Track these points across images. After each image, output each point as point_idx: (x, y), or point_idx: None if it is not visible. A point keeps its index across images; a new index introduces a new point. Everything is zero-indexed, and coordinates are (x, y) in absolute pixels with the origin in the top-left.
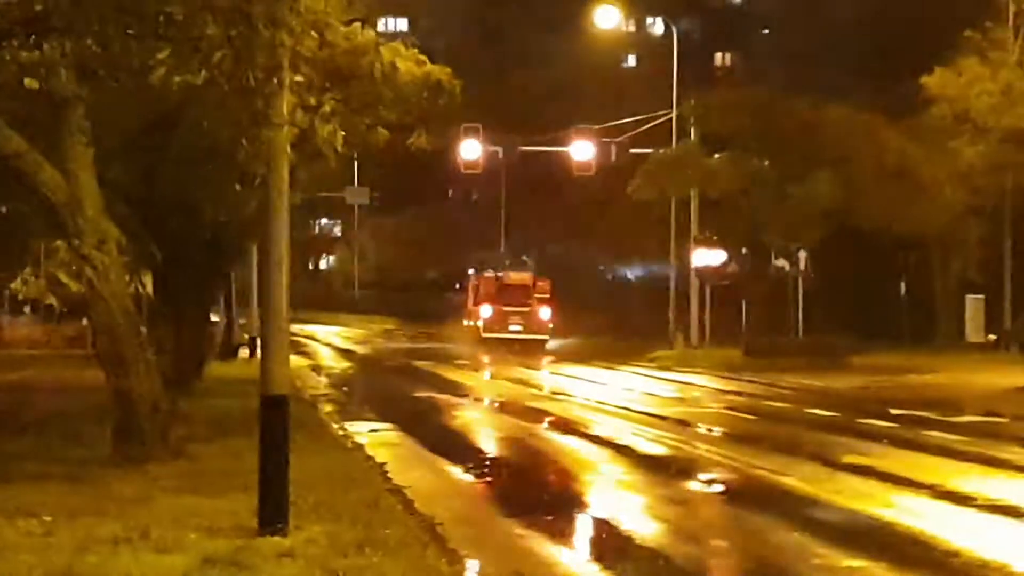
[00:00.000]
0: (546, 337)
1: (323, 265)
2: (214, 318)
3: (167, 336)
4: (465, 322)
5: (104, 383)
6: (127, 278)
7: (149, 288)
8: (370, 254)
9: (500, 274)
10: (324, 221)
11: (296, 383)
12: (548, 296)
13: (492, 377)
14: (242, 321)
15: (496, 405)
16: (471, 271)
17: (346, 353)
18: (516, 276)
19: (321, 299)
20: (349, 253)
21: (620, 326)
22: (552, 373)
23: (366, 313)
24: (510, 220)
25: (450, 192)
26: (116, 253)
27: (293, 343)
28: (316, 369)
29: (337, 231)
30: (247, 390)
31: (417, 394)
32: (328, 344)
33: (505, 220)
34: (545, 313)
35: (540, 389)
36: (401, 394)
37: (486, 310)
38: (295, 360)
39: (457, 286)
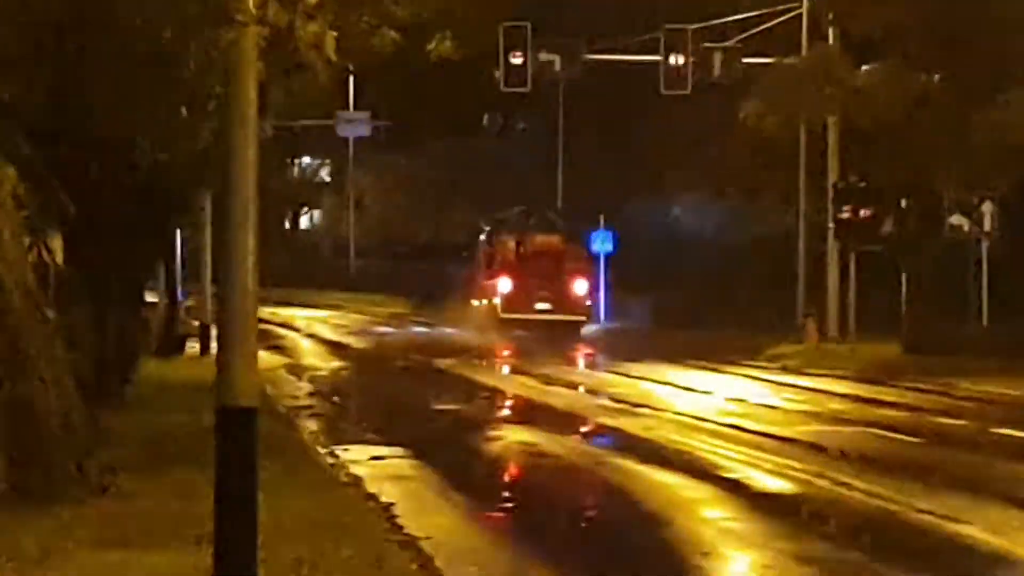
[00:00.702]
0: (582, 318)
1: (305, 223)
2: (151, 298)
3: (84, 324)
4: (475, 301)
5: None
6: (26, 242)
7: (59, 256)
8: (372, 208)
9: (521, 237)
10: (307, 161)
11: (268, 390)
12: (583, 266)
13: (540, 380)
14: (190, 303)
15: (549, 421)
16: (482, 234)
17: (337, 348)
18: (543, 240)
19: (303, 272)
20: (342, 206)
21: (724, 310)
22: (625, 376)
23: (366, 291)
24: (571, 162)
25: (486, 120)
26: (12, 206)
27: (263, 333)
28: (295, 371)
29: (325, 175)
30: (198, 400)
31: (437, 406)
32: (312, 335)
33: (563, 162)
34: (581, 287)
35: (609, 398)
36: (414, 406)
37: (505, 283)
38: (266, 357)
39: (464, 254)
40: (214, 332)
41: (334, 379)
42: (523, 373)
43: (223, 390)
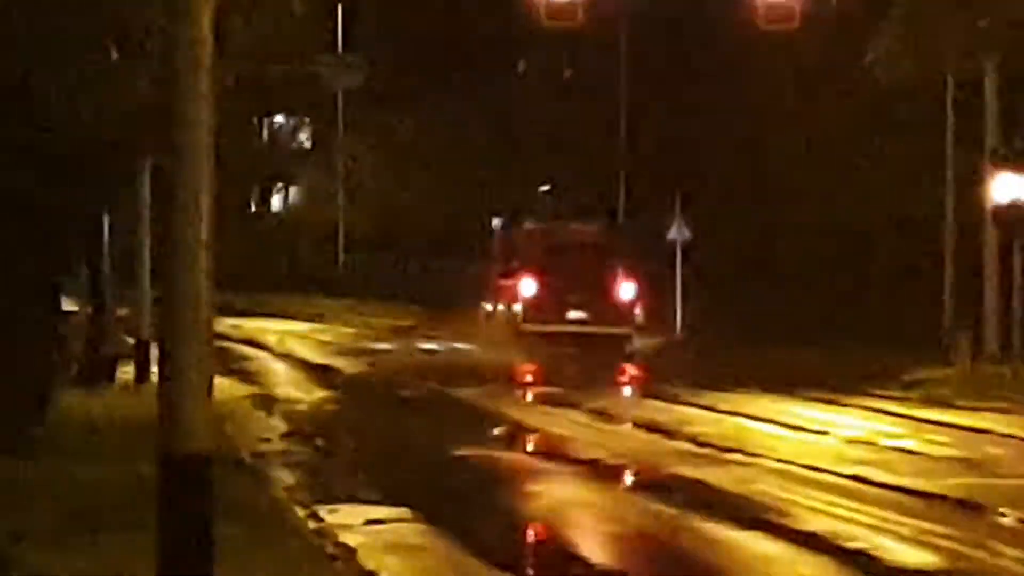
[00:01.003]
0: (628, 331)
1: (277, 205)
2: (70, 307)
3: None
4: (487, 306)
5: None
6: None
7: None
8: (368, 185)
9: (549, 226)
10: (280, 122)
11: (228, 430)
12: (629, 263)
13: (593, 416)
14: (123, 313)
15: (609, 472)
16: (496, 221)
17: (321, 372)
18: (578, 230)
19: (274, 270)
20: (327, 183)
21: (840, 318)
22: (708, 410)
23: (359, 296)
24: (637, 124)
25: (522, 67)
26: None
27: (222, 353)
28: (265, 403)
29: (305, 140)
30: (133, 444)
31: (455, 451)
32: (287, 355)
33: (627, 122)
34: (627, 291)
35: (689, 440)
36: (424, 450)
37: (529, 286)
38: (226, 386)
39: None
40: (155, 352)
41: (317, 415)
42: (568, 405)
43: (168, 430)
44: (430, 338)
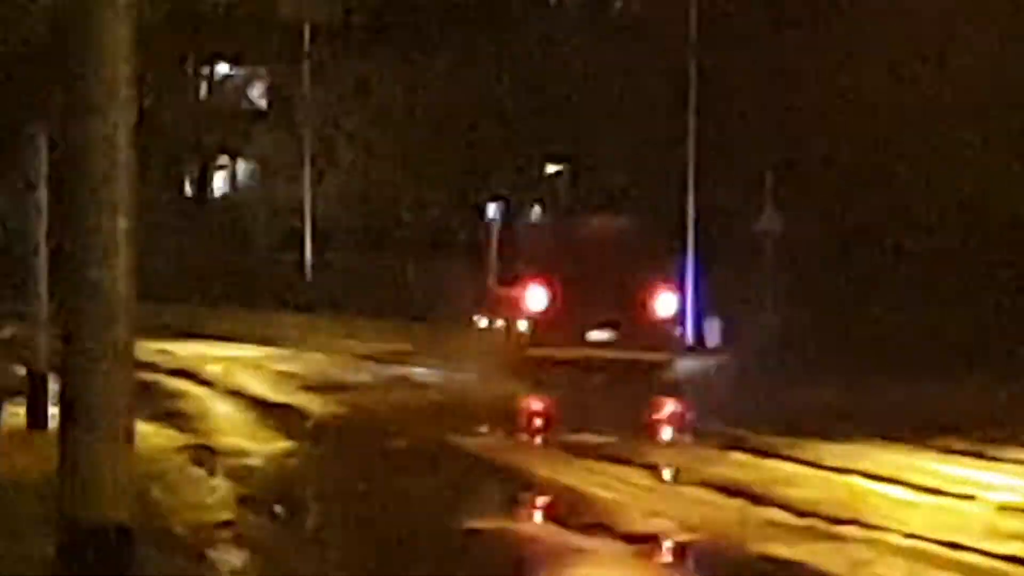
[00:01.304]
0: (667, 357)
1: (220, 186)
2: None
3: None
4: (479, 320)
5: None
6: None
7: None
8: (343, 159)
9: (566, 221)
10: (225, 72)
11: (155, 493)
12: (666, 269)
13: (651, 474)
14: (8, 331)
15: (672, 550)
16: (491, 210)
17: (281, 415)
18: (602, 225)
19: (219, 274)
20: (289, 155)
21: (989, 346)
22: (811, 466)
23: (331, 308)
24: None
25: None
26: None
27: (147, 388)
28: (205, 458)
29: (259, 98)
30: (24, 513)
31: (467, 524)
32: (235, 391)
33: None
34: (666, 304)
35: (783, 507)
36: (422, 523)
37: (537, 296)
38: (152, 433)
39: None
40: (54, 387)
41: (275, 473)
42: (617, 460)
43: (72, 494)
44: (428, 365)
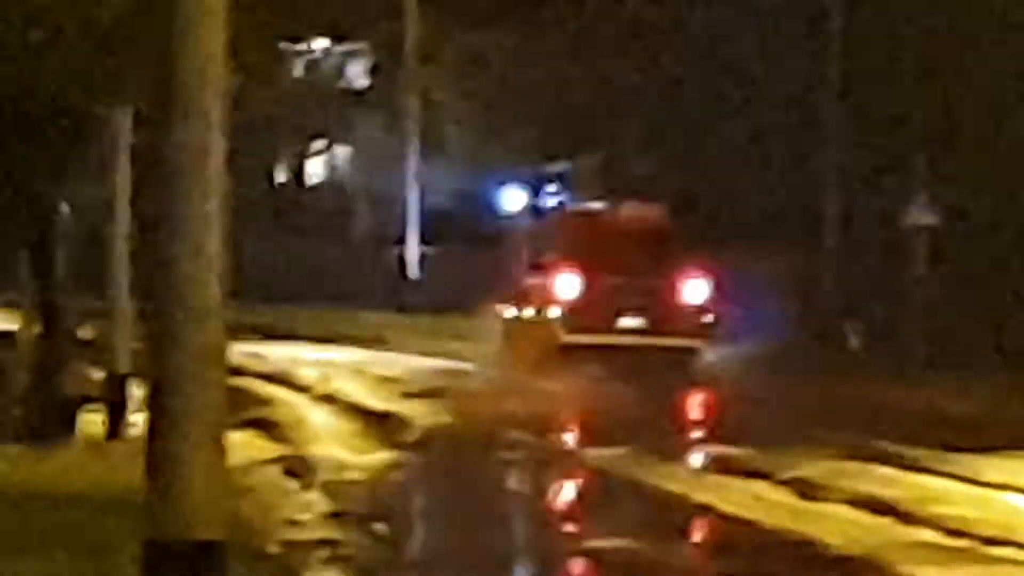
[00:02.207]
0: (696, 343)
1: (316, 173)
2: (5, 326)
3: None
4: (507, 310)
5: None
6: None
7: None
8: (453, 141)
9: (597, 208)
10: (322, 47)
11: (245, 509)
12: (699, 259)
13: (790, 490)
14: (87, 332)
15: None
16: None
17: (382, 424)
18: (633, 212)
19: (313, 272)
20: (393, 139)
21: None
22: (966, 482)
23: (441, 308)
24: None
25: None
26: None
27: (238, 395)
28: (300, 470)
29: (359, 76)
30: (103, 529)
31: (587, 543)
32: (333, 398)
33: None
34: (697, 291)
35: (936, 527)
36: (537, 541)
37: (569, 283)
38: (243, 443)
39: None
40: (136, 392)
41: (376, 487)
42: (749, 473)
43: (158, 509)
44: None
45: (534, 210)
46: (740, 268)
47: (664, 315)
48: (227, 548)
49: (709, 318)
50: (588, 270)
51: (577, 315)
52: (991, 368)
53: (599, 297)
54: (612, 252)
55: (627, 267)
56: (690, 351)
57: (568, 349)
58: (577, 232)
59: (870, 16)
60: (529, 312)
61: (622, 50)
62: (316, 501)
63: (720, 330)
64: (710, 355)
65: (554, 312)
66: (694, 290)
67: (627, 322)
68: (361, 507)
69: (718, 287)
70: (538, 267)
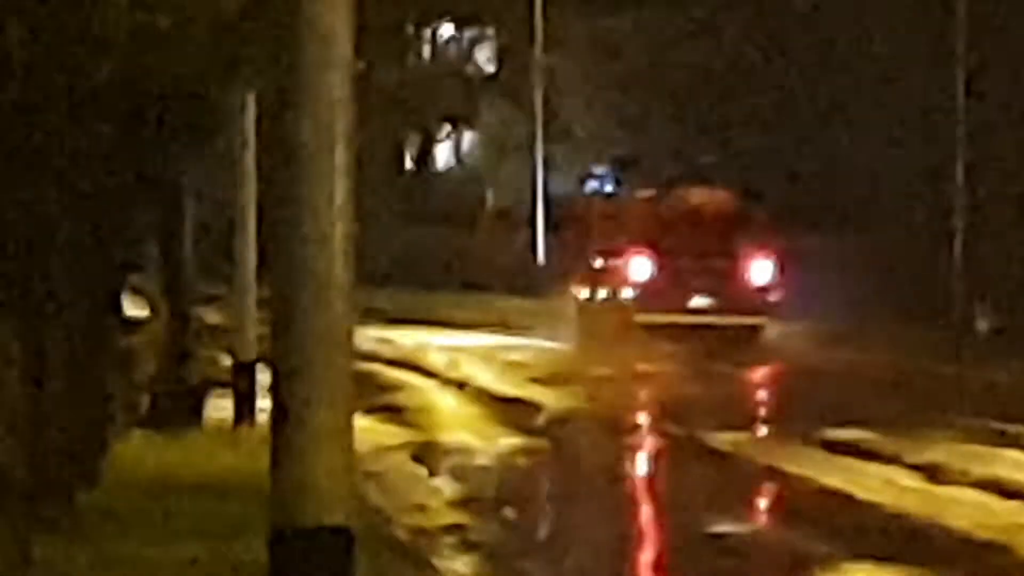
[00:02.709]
0: (760, 321)
1: (444, 159)
2: (133, 312)
3: None
4: (579, 291)
5: None
6: None
7: None
8: (580, 125)
9: (666, 194)
10: (448, 33)
11: (372, 495)
12: (766, 240)
13: (922, 475)
14: (214, 318)
15: (947, 557)
16: (590, 181)
17: (511, 409)
18: (703, 196)
19: (441, 258)
20: (520, 124)
21: None
22: None
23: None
24: None
25: None
26: None
27: (365, 380)
28: (428, 456)
29: (486, 62)
30: (230, 514)
31: (712, 527)
32: (461, 383)
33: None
34: (761, 271)
35: None
36: (668, 527)
37: (642, 265)
38: (369, 429)
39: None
40: (263, 379)
41: (505, 473)
42: (879, 458)
43: (285, 494)
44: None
45: (602, 195)
46: (817, 249)
47: (732, 295)
48: (356, 534)
49: (774, 296)
50: (660, 253)
51: (650, 296)
52: None
53: (672, 278)
54: (682, 235)
55: (697, 249)
56: (756, 328)
57: (642, 328)
58: (649, 216)
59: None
60: (603, 294)
61: (751, 33)
62: (444, 486)
63: (785, 308)
64: (775, 332)
65: (627, 293)
66: (760, 270)
67: (698, 302)
68: (489, 492)
69: (782, 268)
70: (610, 251)
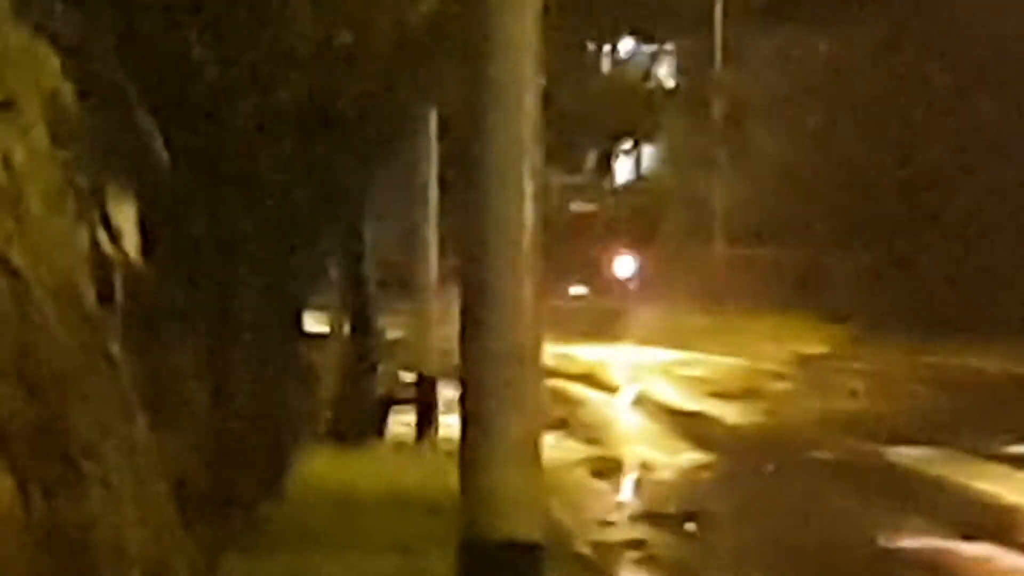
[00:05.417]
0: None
1: (625, 172)
2: (317, 328)
3: (183, 377)
4: None
5: None
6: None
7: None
8: (759, 143)
9: None
10: (629, 48)
11: (554, 507)
12: None
13: None
14: (395, 333)
15: None
16: None
17: (691, 424)
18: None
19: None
20: (700, 140)
21: None
22: None
23: (744, 308)
24: None
25: None
26: (44, 141)
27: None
28: (607, 470)
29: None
30: (414, 528)
31: (888, 541)
32: (642, 399)
33: None
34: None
35: None
36: (846, 543)
37: None
38: (551, 444)
39: None
40: (446, 393)
41: (686, 487)
42: None
43: (473, 508)
44: (852, 371)
45: None
46: None
47: None
48: (542, 549)
49: None
50: None
51: None
52: None
53: None
54: None
55: None
56: None
57: None
58: None
59: None
60: None
61: (932, 50)
62: (626, 501)
63: None
64: None
65: None
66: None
67: None
68: (672, 507)
69: None
70: None
